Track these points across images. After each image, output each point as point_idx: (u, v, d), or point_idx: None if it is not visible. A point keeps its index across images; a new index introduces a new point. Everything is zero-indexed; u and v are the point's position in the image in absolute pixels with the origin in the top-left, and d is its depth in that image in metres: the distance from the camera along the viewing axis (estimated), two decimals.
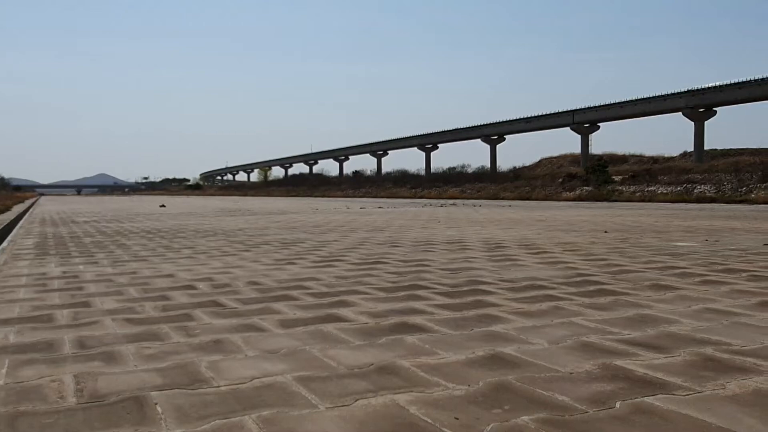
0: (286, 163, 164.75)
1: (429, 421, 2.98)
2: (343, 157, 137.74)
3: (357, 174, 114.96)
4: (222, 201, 62.59)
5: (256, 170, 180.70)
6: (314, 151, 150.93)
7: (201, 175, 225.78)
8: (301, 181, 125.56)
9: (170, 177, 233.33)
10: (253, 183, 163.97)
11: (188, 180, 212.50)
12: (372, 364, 3.90)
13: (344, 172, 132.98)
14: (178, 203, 53.89)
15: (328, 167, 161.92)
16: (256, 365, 3.91)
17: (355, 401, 3.25)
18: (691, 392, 3.34)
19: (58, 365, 3.95)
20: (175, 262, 9.40)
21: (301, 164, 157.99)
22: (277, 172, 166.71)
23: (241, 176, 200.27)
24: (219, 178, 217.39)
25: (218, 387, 3.49)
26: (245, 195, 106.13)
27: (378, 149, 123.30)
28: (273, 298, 6.29)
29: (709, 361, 3.93)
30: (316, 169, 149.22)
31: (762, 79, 64.61)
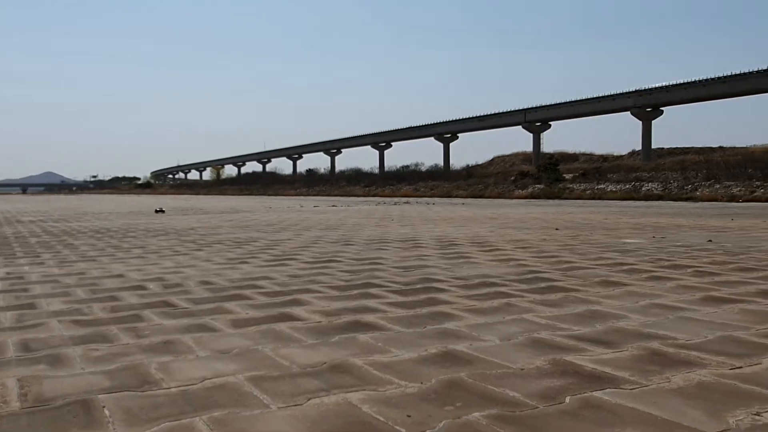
0: (239, 161, 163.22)
1: (381, 419, 2.98)
2: (296, 156, 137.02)
3: (311, 172, 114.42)
4: (174, 200, 61.69)
5: (208, 169, 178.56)
6: (267, 149, 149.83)
7: (152, 173, 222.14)
8: (254, 179, 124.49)
9: (120, 175, 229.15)
10: (206, 182, 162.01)
11: (139, 179, 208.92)
12: (325, 363, 3.89)
13: (298, 170, 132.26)
14: (128, 202, 52.93)
15: (282, 166, 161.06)
16: (207, 366, 3.86)
17: (308, 400, 3.23)
18: (637, 386, 3.41)
19: (1, 369, 3.84)
20: (125, 262, 9.23)
21: (255, 163, 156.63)
22: (230, 170, 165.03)
23: (194, 175, 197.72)
24: (171, 176, 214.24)
25: (168, 388, 3.44)
26: (197, 194, 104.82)
27: (332, 148, 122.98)
28: (225, 297, 6.22)
29: (655, 355, 4.02)
30: (269, 167, 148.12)
31: (706, 80, 66.34)
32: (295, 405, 3.17)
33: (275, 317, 5.26)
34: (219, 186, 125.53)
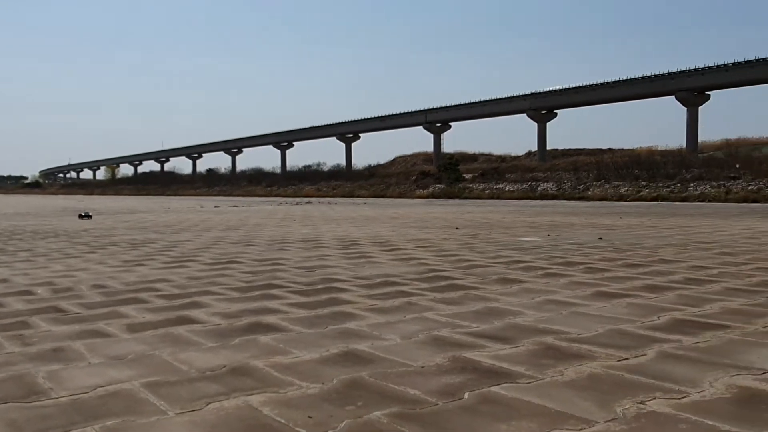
0: (135, 160, 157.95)
1: (282, 421, 2.96)
2: (196, 155, 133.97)
3: (211, 172, 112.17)
4: (66, 200, 59.08)
5: (103, 168, 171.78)
6: (166, 148, 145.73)
7: (41, 172, 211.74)
8: (152, 179, 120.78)
9: (5, 174, 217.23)
10: (100, 181, 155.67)
11: (26, 178, 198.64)
12: (225, 366, 3.82)
13: (197, 170, 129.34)
14: (15, 203, 50.30)
15: (181, 165, 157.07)
16: (100, 373, 3.72)
17: (207, 405, 3.17)
18: (533, 380, 3.52)
19: None
20: (10, 266, 8.77)
21: (152, 162, 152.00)
22: (125, 170, 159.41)
23: (87, 174, 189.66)
24: (61, 175, 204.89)
25: (57, 398, 3.29)
26: (91, 194, 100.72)
27: (232, 147, 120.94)
28: (120, 301, 6.01)
29: (549, 349, 4.17)
30: (167, 167, 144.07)
31: (596, 85, 69.38)
32: (194, 410, 3.10)
33: (173, 320, 5.12)
34: (114, 186, 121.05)
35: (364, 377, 3.60)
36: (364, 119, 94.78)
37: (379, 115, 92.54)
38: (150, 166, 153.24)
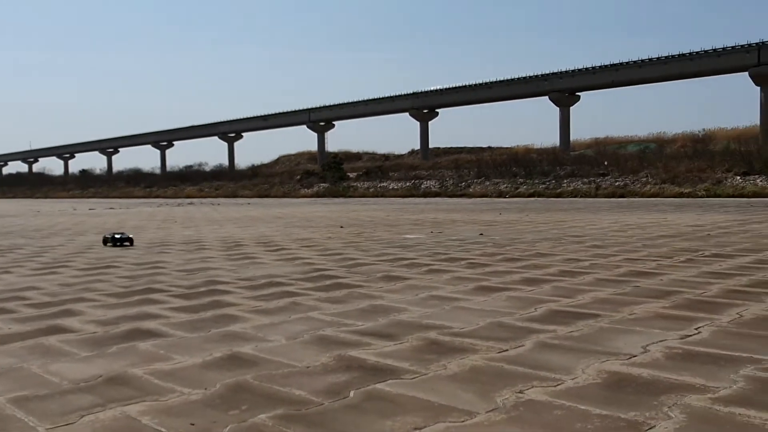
0: (0, 161, 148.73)
1: (163, 430, 2.86)
2: (68, 155, 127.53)
3: (85, 173, 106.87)
4: None
5: None
6: (34, 147, 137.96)
7: None
8: (19, 181, 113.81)
9: None
10: None
11: None
12: (101, 376, 3.65)
13: (70, 171, 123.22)
14: None
15: (52, 166, 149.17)
16: None
17: (81, 418, 3.02)
18: (417, 375, 3.58)
19: None
20: None
21: (19, 163, 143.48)
22: None
23: None
24: None
25: None
26: None
27: (108, 147, 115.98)
28: None
29: (433, 344, 4.25)
30: (36, 167, 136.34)
31: (476, 85, 71.47)
32: (66, 424, 2.95)
33: (44, 330, 4.85)
34: None
35: (249, 380, 3.54)
36: (247, 118, 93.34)
37: (262, 114, 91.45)
38: (17, 167, 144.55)
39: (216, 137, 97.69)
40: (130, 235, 11.92)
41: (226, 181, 70.17)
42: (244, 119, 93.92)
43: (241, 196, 56.63)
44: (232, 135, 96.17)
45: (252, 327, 4.84)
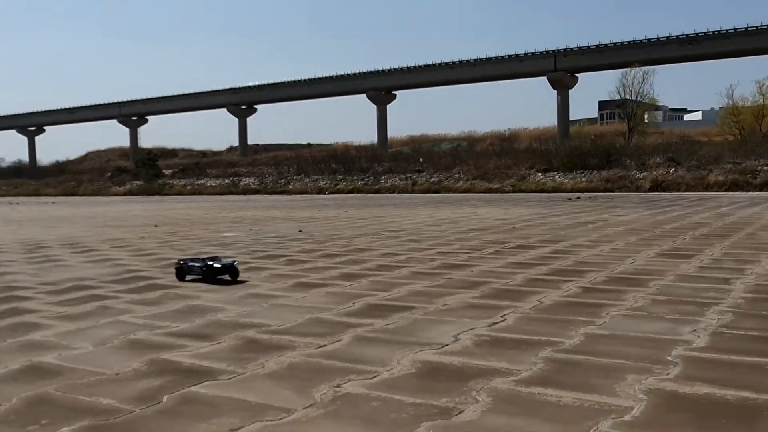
0: None
1: None
2: None
3: None
4: None
5: None
6: None
7: None
8: None
9: None
10: None
11: None
12: None
13: None
14: None
15: None
16: None
17: None
18: (234, 375, 3.52)
19: None
20: None
21: None
22: None
23: None
24: None
25: None
26: None
27: None
28: None
29: (251, 343, 4.19)
30: None
31: (295, 81, 71.54)
32: None
33: None
34: None
35: (51, 392, 3.30)
36: (50, 111, 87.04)
37: (68, 106, 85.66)
38: None
39: (14, 131, 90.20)
40: None
41: (27, 179, 65.03)
42: (46, 111, 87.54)
43: (45, 195, 52.69)
44: (33, 128, 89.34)
45: (55, 334, 4.52)
